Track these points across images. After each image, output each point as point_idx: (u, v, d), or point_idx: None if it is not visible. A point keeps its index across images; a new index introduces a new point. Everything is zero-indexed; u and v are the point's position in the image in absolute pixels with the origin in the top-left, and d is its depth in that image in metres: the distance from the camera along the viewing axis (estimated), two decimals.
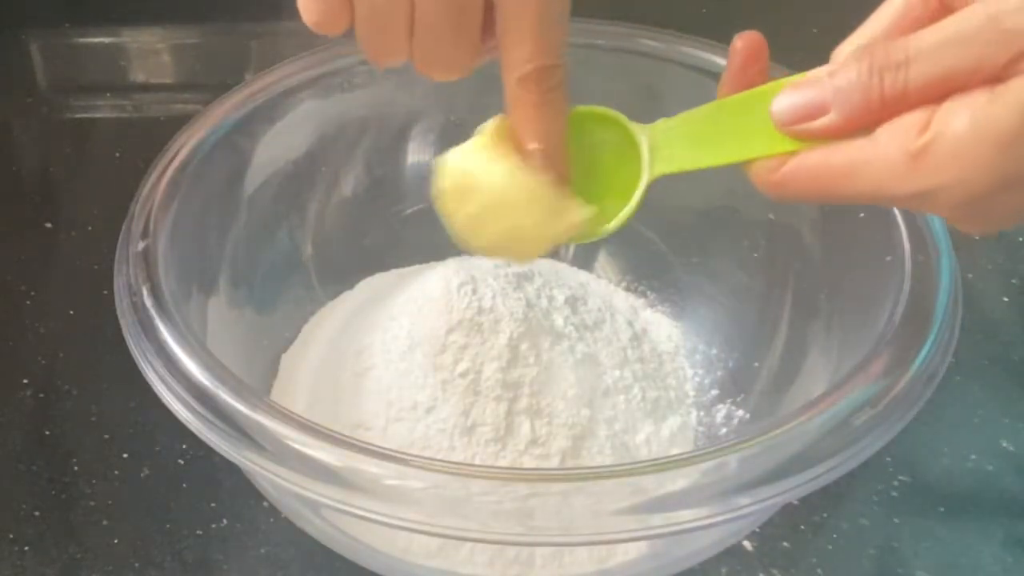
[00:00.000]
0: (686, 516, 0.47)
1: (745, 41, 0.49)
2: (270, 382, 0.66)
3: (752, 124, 0.47)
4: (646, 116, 0.65)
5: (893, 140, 0.43)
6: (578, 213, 0.52)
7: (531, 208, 0.51)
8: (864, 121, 0.44)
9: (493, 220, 0.51)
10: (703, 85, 0.67)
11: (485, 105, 0.72)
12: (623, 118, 0.52)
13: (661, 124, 0.51)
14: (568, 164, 0.51)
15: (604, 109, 0.53)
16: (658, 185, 0.72)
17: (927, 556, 0.62)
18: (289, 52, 0.69)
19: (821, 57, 0.47)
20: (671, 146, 0.51)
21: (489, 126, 0.52)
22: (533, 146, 0.51)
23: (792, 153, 0.46)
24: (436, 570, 0.56)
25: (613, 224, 0.52)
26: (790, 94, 0.46)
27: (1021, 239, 0.79)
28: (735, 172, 0.68)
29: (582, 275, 0.74)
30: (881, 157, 0.43)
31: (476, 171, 0.51)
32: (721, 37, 0.68)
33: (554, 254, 0.74)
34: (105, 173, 0.86)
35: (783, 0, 0.95)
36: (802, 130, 0.45)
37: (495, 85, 0.71)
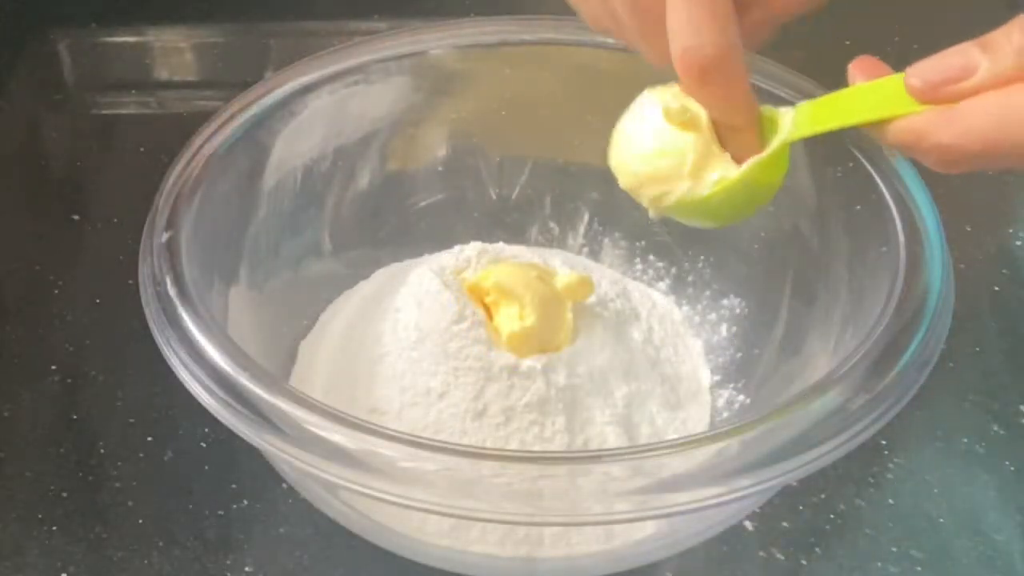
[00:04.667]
0: (688, 497, 0.48)
1: (860, 66, 0.50)
2: (289, 368, 0.67)
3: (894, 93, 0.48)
4: None
5: None
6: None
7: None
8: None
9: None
10: None
11: (496, 103, 0.74)
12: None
13: (804, 104, 0.53)
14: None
15: None
16: None
17: (921, 536, 0.63)
18: (308, 50, 0.70)
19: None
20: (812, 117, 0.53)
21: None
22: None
23: None
24: (449, 549, 0.58)
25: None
26: (932, 60, 0.46)
27: (1011, 230, 0.80)
28: None
29: (589, 263, 0.75)
30: None
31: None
32: None
33: (561, 243, 0.76)
34: (130, 167, 0.87)
35: None
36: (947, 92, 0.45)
37: (503, 83, 0.72)
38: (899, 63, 0.46)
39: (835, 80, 0.66)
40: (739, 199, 0.55)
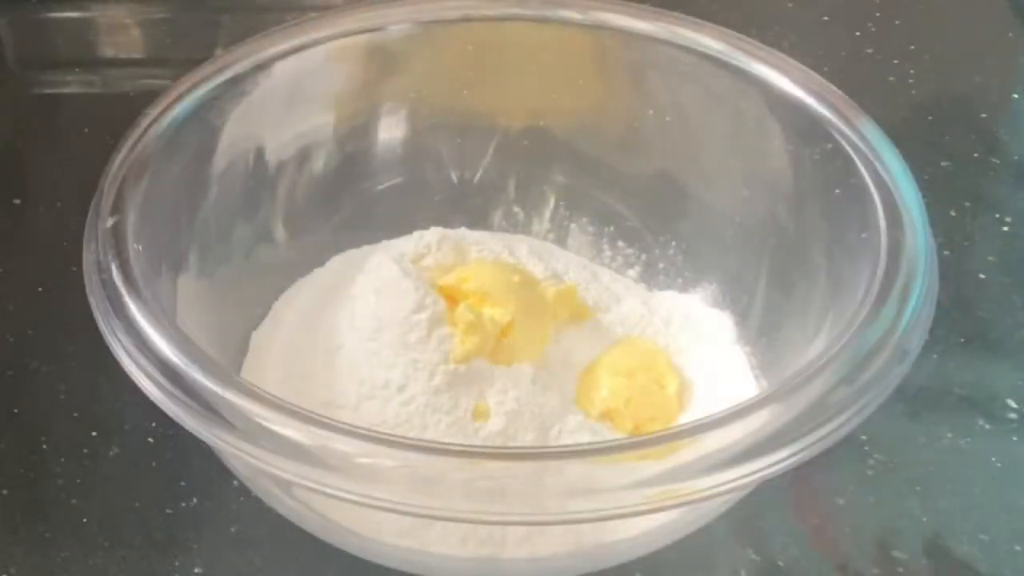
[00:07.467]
0: (659, 495, 0.47)
1: None
2: (240, 360, 0.66)
3: None
4: (633, 97, 0.65)
5: None
6: None
7: None
8: None
9: None
10: (691, 65, 0.68)
11: (458, 82, 0.73)
12: None
13: None
14: None
15: None
16: (629, 157, 0.72)
17: (903, 535, 0.62)
18: (260, 27, 0.69)
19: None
20: None
21: None
22: None
23: None
24: (408, 550, 0.57)
25: None
26: None
27: (997, 215, 0.80)
28: (710, 148, 0.69)
29: (556, 251, 0.74)
30: None
31: None
32: (705, 15, 0.69)
33: (526, 229, 0.75)
34: (74, 149, 0.86)
35: None
36: None
37: (465, 61, 0.72)
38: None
39: (840, 81, 0.65)
40: None
